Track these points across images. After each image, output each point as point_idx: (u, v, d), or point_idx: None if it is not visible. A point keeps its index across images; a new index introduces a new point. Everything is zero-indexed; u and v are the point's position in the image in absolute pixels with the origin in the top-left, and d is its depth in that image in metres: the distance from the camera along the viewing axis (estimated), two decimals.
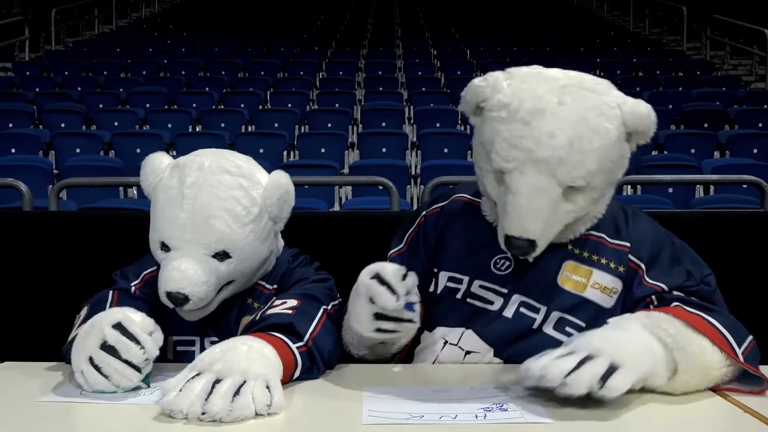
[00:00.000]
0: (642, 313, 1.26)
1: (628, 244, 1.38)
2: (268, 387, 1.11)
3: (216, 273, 1.36)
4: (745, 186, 4.81)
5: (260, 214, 1.39)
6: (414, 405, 1.14)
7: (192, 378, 1.11)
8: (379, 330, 1.27)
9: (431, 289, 1.46)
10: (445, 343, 1.41)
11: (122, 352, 1.17)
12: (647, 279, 1.35)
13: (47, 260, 1.87)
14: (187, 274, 1.32)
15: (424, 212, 1.52)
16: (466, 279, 1.42)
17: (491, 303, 1.39)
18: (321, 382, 1.29)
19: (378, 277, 1.23)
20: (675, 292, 1.32)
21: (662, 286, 1.33)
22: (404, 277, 1.24)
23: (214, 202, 1.34)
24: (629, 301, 1.35)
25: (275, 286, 1.49)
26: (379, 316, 1.25)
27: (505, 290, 1.39)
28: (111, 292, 1.44)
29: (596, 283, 1.36)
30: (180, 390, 1.09)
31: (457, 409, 1.11)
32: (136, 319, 1.22)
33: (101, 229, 1.89)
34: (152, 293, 1.48)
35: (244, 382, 1.10)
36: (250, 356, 1.15)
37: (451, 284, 1.43)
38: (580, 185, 1.25)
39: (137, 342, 1.19)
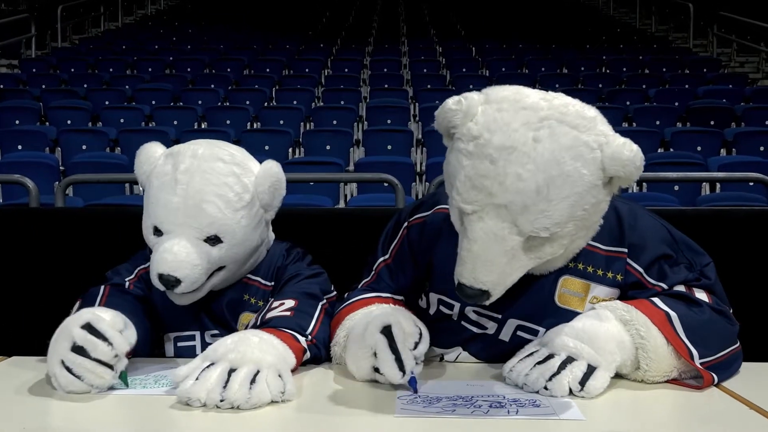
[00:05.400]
0: (625, 307, 1.26)
1: (625, 250, 1.33)
2: (279, 375, 1.15)
3: (207, 257, 1.37)
4: (751, 183, 4.80)
5: (252, 201, 1.41)
6: (446, 398, 1.15)
7: (206, 367, 1.14)
8: (373, 377, 1.25)
9: (423, 305, 1.45)
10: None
11: (91, 351, 1.18)
12: (650, 281, 1.32)
13: (54, 256, 1.88)
14: (179, 256, 1.33)
15: (406, 223, 1.46)
16: (457, 305, 1.38)
17: (486, 327, 1.38)
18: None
19: (389, 336, 1.19)
20: (676, 288, 1.31)
21: (663, 286, 1.32)
22: (416, 345, 1.21)
23: (206, 188, 1.36)
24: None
25: (272, 283, 1.51)
26: (378, 371, 1.22)
27: (498, 315, 1.35)
28: (102, 287, 1.46)
29: (594, 298, 1.33)
30: (196, 379, 1.12)
31: (489, 403, 1.13)
32: (106, 318, 1.23)
33: (107, 226, 1.90)
34: (147, 288, 1.50)
35: (258, 371, 1.14)
36: (262, 347, 1.19)
37: (443, 309, 1.40)
38: (543, 236, 1.14)
39: (105, 340, 1.19)
